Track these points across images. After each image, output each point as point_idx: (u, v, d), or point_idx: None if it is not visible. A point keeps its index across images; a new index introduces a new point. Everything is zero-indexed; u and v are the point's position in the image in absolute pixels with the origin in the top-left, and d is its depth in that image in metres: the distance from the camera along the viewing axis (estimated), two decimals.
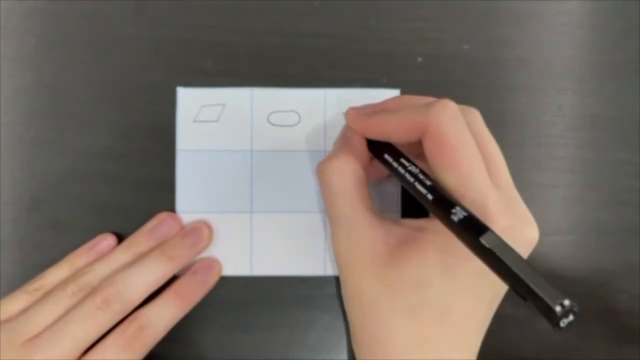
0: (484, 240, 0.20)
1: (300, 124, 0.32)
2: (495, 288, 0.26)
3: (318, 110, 0.32)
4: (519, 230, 0.25)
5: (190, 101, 0.32)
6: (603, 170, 0.33)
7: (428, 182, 0.24)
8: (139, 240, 0.31)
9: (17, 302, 0.29)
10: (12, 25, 0.32)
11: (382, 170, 0.29)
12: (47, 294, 0.28)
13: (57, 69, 0.33)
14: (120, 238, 0.32)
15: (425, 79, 0.33)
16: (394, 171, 0.26)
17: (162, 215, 0.31)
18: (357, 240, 0.26)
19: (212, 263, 0.31)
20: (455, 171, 0.24)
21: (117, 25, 0.33)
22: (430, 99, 0.27)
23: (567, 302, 0.18)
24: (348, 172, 0.27)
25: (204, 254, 0.32)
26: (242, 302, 0.32)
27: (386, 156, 0.27)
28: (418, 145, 0.26)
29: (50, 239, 0.32)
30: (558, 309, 0.18)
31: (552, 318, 0.18)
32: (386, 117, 0.26)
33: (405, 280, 0.24)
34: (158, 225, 0.31)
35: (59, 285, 0.29)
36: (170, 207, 0.32)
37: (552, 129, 0.33)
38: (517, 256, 0.20)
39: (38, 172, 0.32)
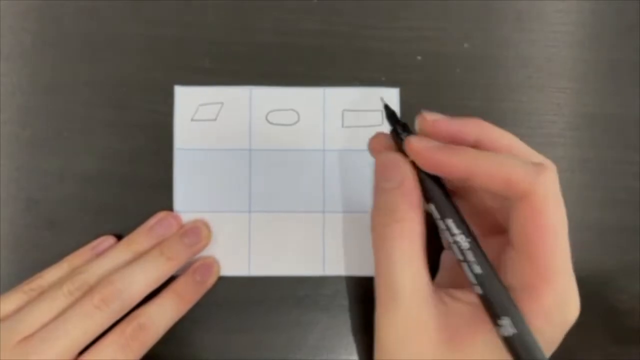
0: None
1: (299, 123, 0.32)
2: None
3: (317, 109, 0.32)
4: (572, 313, 0.23)
5: (188, 100, 0.32)
6: (603, 169, 0.33)
7: (479, 271, 0.21)
8: (138, 239, 0.30)
9: (13, 301, 0.28)
10: (7, 24, 0.32)
11: None
12: (43, 293, 0.28)
13: (54, 68, 0.32)
14: (119, 238, 0.31)
15: (425, 77, 0.33)
16: (440, 230, 0.22)
17: (162, 214, 0.31)
18: (414, 319, 0.22)
19: (211, 263, 0.31)
20: (549, 255, 0.21)
21: (114, 24, 0.32)
22: (532, 153, 0.24)
23: None
24: (414, 237, 0.22)
25: (203, 254, 0.31)
26: (241, 302, 0.32)
27: (446, 221, 0.22)
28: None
29: (46, 238, 0.32)
30: None
31: None
32: (477, 158, 0.22)
33: None
34: (157, 224, 0.31)
35: (55, 284, 0.29)
36: (168, 207, 0.32)
37: (552, 128, 0.33)
38: None
39: (34, 171, 0.32)
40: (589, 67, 0.33)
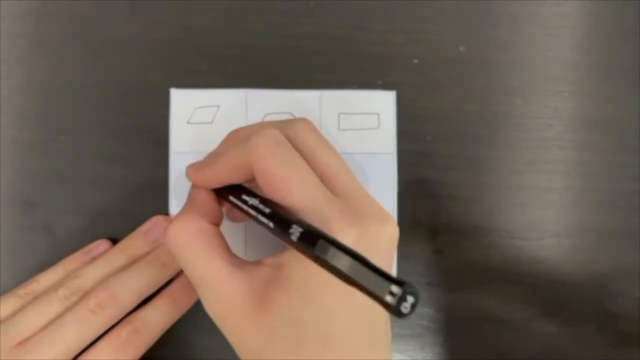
0: (316, 251, 0.20)
1: None
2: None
3: (313, 112, 0.32)
4: (373, 233, 0.24)
5: (184, 103, 0.32)
6: (600, 172, 0.33)
7: (267, 210, 0.24)
8: (133, 243, 0.30)
9: (7, 305, 0.28)
10: (4, 26, 0.32)
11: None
12: (38, 297, 0.28)
13: (50, 71, 0.32)
14: (114, 242, 0.31)
15: (421, 80, 0.33)
16: (242, 211, 0.25)
17: (157, 218, 0.31)
18: (223, 297, 0.24)
19: None
20: (290, 200, 0.23)
21: (111, 27, 0.32)
22: (255, 128, 0.27)
23: (395, 289, 0.17)
24: (192, 232, 0.25)
25: None
26: None
27: (231, 198, 0.26)
28: None
29: (43, 241, 0.32)
30: (389, 298, 0.17)
31: (389, 308, 0.17)
32: (214, 162, 0.26)
33: (279, 324, 0.23)
34: (152, 228, 0.31)
35: (49, 288, 0.29)
36: (164, 210, 0.32)
37: (549, 131, 0.33)
38: (344, 258, 0.19)
39: (31, 174, 0.32)
40: (586, 70, 0.33)
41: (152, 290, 0.29)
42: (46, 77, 0.32)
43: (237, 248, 0.32)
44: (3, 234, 0.32)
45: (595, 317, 0.33)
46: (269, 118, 0.32)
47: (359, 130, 0.32)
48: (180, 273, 0.31)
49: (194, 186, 0.28)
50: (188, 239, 0.25)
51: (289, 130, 0.25)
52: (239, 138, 0.27)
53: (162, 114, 0.32)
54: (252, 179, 0.25)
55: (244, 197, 0.25)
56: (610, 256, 0.33)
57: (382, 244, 0.24)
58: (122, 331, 0.28)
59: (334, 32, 0.33)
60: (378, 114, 0.32)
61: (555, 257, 0.33)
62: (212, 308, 0.25)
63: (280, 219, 0.23)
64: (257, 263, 0.25)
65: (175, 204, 0.32)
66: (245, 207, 0.25)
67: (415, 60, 0.33)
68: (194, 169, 0.27)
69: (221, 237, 0.26)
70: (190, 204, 0.27)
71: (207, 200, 0.27)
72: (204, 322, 0.32)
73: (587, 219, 0.33)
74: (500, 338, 0.33)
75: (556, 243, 0.33)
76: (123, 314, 0.28)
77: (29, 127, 0.32)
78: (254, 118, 0.32)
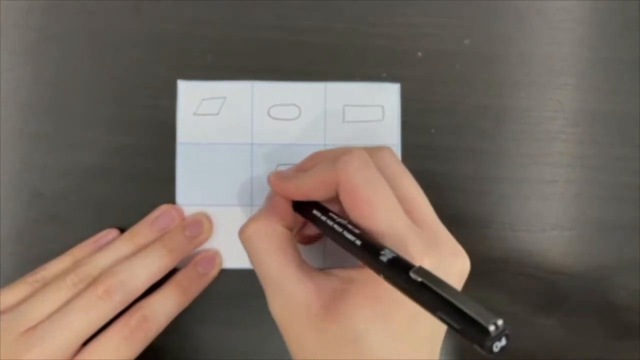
0: (413, 274, 0.20)
1: (301, 118, 0.32)
2: (432, 327, 0.25)
3: (318, 104, 0.32)
4: (446, 264, 0.24)
5: (191, 94, 0.32)
6: (602, 166, 0.33)
7: (356, 231, 0.24)
8: (141, 231, 0.31)
9: (16, 292, 0.29)
10: (12, 20, 0.33)
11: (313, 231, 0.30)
12: (47, 284, 0.28)
13: (57, 64, 0.33)
14: (122, 232, 0.32)
15: (425, 73, 0.33)
16: (322, 225, 0.26)
17: (164, 207, 0.31)
18: (289, 300, 0.25)
19: (213, 255, 0.31)
20: (372, 222, 0.24)
21: (118, 20, 0.33)
22: (343, 150, 0.27)
23: (500, 322, 0.18)
24: (268, 233, 0.26)
25: (204, 247, 0.32)
26: (242, 295, 0.32)
27: (314, 212, 0.27)
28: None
29: (49, 232, 0.32)
30: (492, 328, 0.18)
31: (485, 340, 0.18)
32: (301, 177, 0.27)
33: (342, 335, 0.23)
34: (160, 217, 0.31)
35: (58, 275, 0.29)
36: (171, 200, 0.32)
37: (552, 124, 0.33)
38: (447, 285, 0.20)
39: (38, 166, 0.32)
40: (589, 64, 0.34)
41: (159, 276, 0.29)
42: (53, 70, 0.33)
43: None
44: (10, 224, 0.32)
45: (597, 309, 0.34)
46: (274, 110, 0.32)
47: (363, 122, 0.33)
48: (187, 262, 0.31)
49: (274, 194, 0.28)
50: (265, 238, 0.26)
51: (374, 156, 0.26)
52: (325, 157, 0.28)
53: (168, 106, 0.32)
54: (329, 199, 0.26)
55: (331, 214, 0.26)
56: (612, 249, 0.33)
57: (452, 276, 0.25)
58: (131, 319, 0.28)
59: (339, 25, 0.33)
60: (382, 107, 0.33)
61: (558, 250, 0.33)
62: (277, 309, 0.25)
63: (371, 241, 0.23)
64: (326, 273, 0.26)
65: (181, 194, 0.32)
66: (329, 222, 0.25)
67: (419, 54, 0.33)
68: (278, 179, 0.28)
69: (294, 242, 0.27)
70: (269, 207, 0.28)
71: (285, 206, 0.27)
72: (209, 312, 0.32)
73: (589, 212, 0.33)
74: None
75: (558, 235, 0.33)
76: (131, 300, 0.28)
77: (36, 119, 0.32)
78: (259, 109, 0.32)
